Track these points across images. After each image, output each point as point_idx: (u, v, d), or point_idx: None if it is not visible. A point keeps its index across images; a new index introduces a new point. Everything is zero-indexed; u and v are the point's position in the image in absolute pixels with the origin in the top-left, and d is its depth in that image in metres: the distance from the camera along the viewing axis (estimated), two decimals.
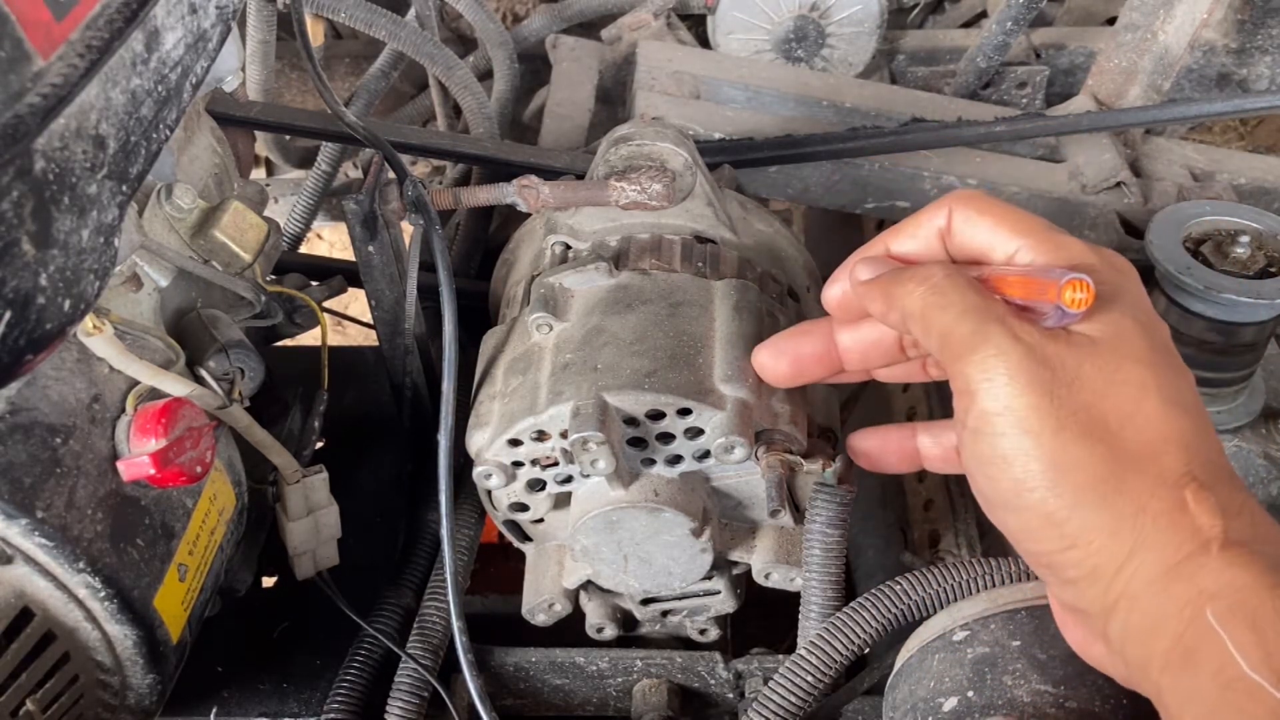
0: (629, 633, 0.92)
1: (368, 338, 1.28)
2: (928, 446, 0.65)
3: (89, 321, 0.66)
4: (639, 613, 0.90)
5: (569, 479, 0.80)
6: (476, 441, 0.80)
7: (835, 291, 0.64)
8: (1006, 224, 0.56)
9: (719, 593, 0.87)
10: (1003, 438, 0.50)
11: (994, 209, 0.57)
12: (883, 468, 0.67)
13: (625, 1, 1.57)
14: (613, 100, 1.45)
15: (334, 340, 1.33)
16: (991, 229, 0.56)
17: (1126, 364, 0.51)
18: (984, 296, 0.53)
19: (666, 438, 0.77)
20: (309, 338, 0.95)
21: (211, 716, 0.87)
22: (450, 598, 0.82)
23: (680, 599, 0.88)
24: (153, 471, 0.69)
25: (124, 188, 0.56)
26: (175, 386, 0.73)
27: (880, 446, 0.66)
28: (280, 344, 0.96)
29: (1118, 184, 1.24)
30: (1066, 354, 0.51)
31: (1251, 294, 0.87)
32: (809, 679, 0.73)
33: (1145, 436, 0.50)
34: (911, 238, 0.60)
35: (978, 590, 0.73)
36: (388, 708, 0.81)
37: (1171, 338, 0.88)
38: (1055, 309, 0.51)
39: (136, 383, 0.72)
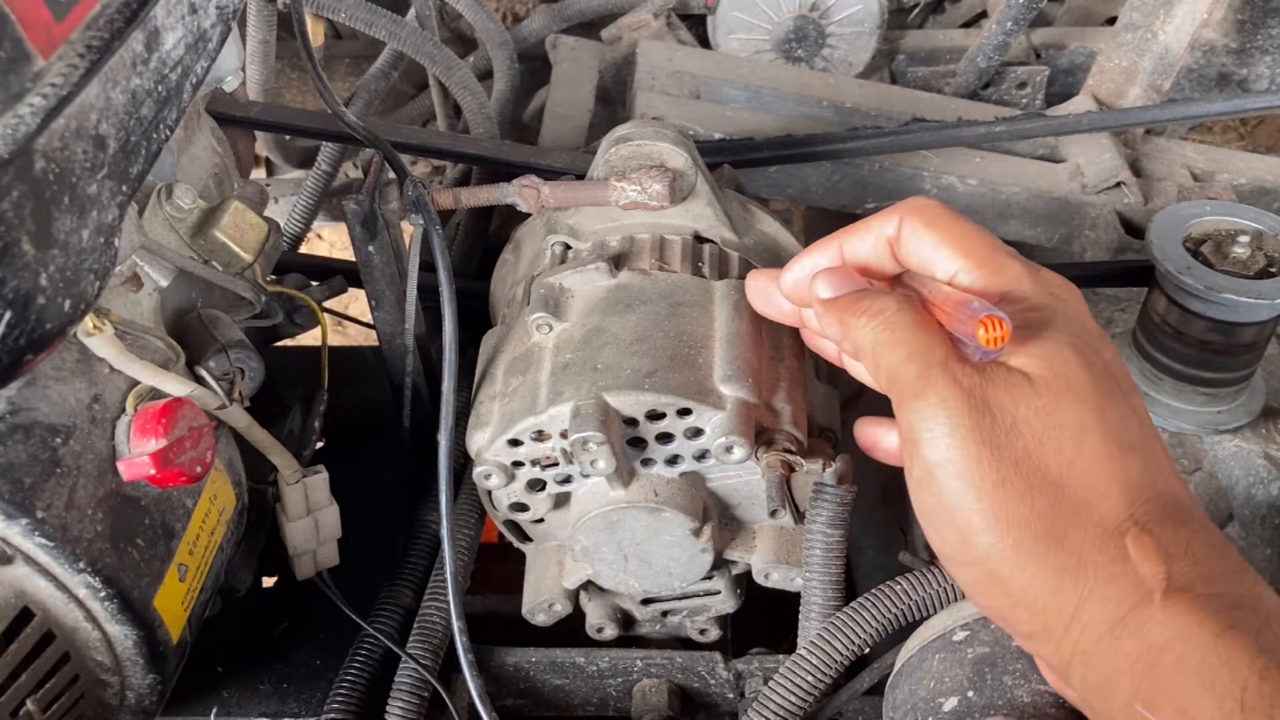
0: (629, 633, 0.92)
1: (368, 338, 1.28)
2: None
3: (89, 321, 0.66)
4: (639, 613, 0.90)
5: (569, 479, 0.80)
6: (476, 441, 0.80)
7: (789, 281, 0.63)
8: (950, 242, 0.55)
9: (719, 593, 0.87)
10: (946, 490, 0.49)
11: (942, 224, 0.55)
12: (874, 456, 0.67)
13: (625, 1, 1.57)
14: (613, 100, 1.45)
15: (334, 340, 1.33)
16: (935, 246, 0.55)
17: (1065, 402, 0.50)
18: (930, 335, 0.52)
19: (666, 438, 0.77)
20: (309, 338, 0.95)
21: (211, 716, 0.87)
22: (450, 598, 0.82)
23: (680, 599, 0.88)
24: (153, 471, 0.69)
25: (124, 188, 0.56)
26: (175, 386, 0.73)
27: (874, 440, 0.65)
28: (280, 344, 0.96)
29: (1118, 184, 1.24)
30: (1004, 397, 0.49)
31: (1251, 294, 0.87)
32: (809, 679, 0.73)
33: (1086, 482, 0.48)
34: (862, 241, 0.59)
35: None
36: (388, 708, 0.81)
37: (1172, 338, 0.87)
38: (973, 344, 0.50)
39: (136, 383, 0.72)
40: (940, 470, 0.49)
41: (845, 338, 0.56)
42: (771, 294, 0.66)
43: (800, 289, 0.62)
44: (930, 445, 0.49)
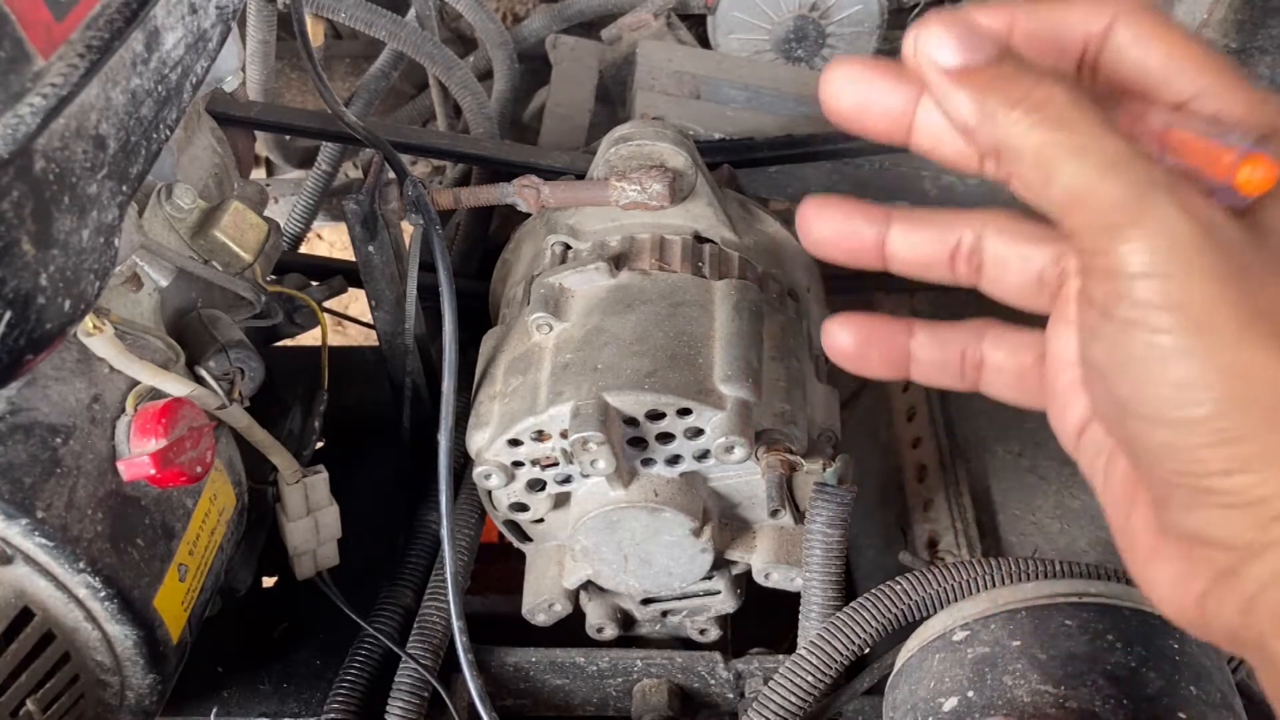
0: (629, 633, 0.92)
1: (368, 338, 1.28)
2: (923, 348, 0.50)
3: (89, 321, 0.66)
4: (639, 613, 0.90)
5: (569, 479, 0.80)
6: (476, 441, 0.80)
7: (918, 40, 0.43)
8: (1188, 55, 0.42)
9: (719, 593, 0.87)
10: (1168, 335, 0.39)
11: (1172, 32, 0.43)
12: (863, 368, 0.51)
13: (625, 1, 1.57)
14: (613, 100, 1.45)
15: (334, 340, 1.33)
16: (1169, 56, 0.42)
17: None
18: (1129, 145, 0.40)
19: (666, 438, 0.77)
20: (309, 338, 0.95)
21: (211, 716, 0.87)
22: (450, 598, 0.82)
23: (680, 599, 0.88)
24: (153, 471, 0.69)
25: (124, 188, 0.55)
26: (175, 386, 0.72)
27: (864, 341, 0.50)
28: (280, 344, 0.96)
29: None
30: (1247, 241, 0.40)
31: None
32: (809, 679, 0.73)
33: None
34: (1050, 23, 0.43)
35: (978, 590, 0.73)
36: (388, 708, 0.81)
37: None
38: (1223, 187, 0.40)
39: (136, 383, 0.72)
40: (1165, 313, 0.39)
41: (985, 124, 0.41)
42: (871, 80, 0.45)
43: (912, 67, 0.43)
44: (1151, 282, 0.39)
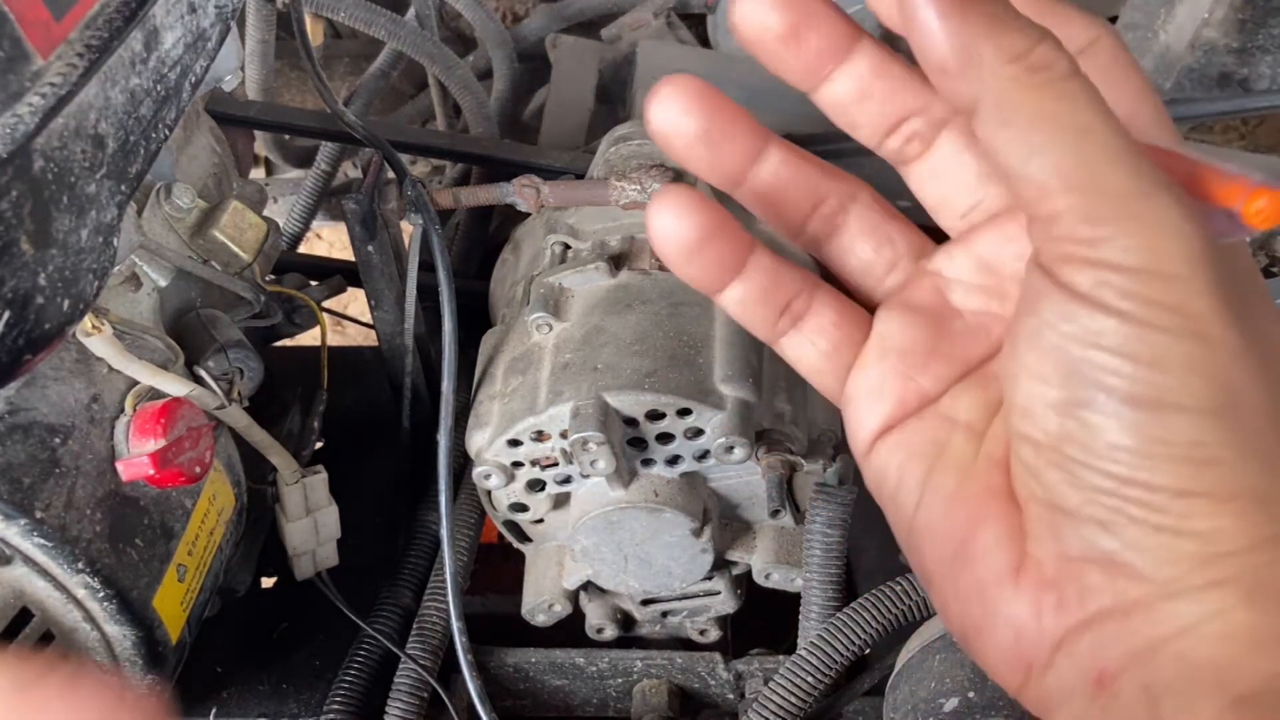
0: (629, 633, 0.92)
1: (368, 338, 1.28)
2: (760, 273, 0.44)
3: (88, 321, 0.66)
4: (639, 613, 0.90)
5: (569, 479, 0.80)
6: (476, 442, 0.80)
7: None
8: (1148, 93, 0.38)
9: (719, 593, 0.87)
10: (1165, 334, 0.34)
11: (1138, 69, 0.38)
12: (689, 266, 0.43)
13: (625, 1, 1.57)
14: (613, 100, 1.45)
15: (334, 340, 1.33)
16: (1138, 92, 0.38)
17: None
18: (1132, 140, 0.35)
19: (666, 438, 0.77)
20: (309, 338, 0.95)
21: (211, 716, 0.86)
22: (450, 598, 0.82)
23: (680, 599, 0.88)
24: (152, 472, 0.68)
25: (123, 187, 0.55)
26: (174, 386, 0.72)
27: (706, 235, 0.43)
28: (280, 344, 0.96)
29: None
30: (1226, 256, 0.36)
31: None
32: (809, 680, 0.73)
33: None
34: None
35: None
36: (387, 708, 0.81)
37: None
38: (1224, 215, 0.36)
39: (136, 383, 0.72)
40: (1160, 313, 0.34)
41: (967, 75, 0.34)
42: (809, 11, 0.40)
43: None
44: (1150, 281, 0.34)
